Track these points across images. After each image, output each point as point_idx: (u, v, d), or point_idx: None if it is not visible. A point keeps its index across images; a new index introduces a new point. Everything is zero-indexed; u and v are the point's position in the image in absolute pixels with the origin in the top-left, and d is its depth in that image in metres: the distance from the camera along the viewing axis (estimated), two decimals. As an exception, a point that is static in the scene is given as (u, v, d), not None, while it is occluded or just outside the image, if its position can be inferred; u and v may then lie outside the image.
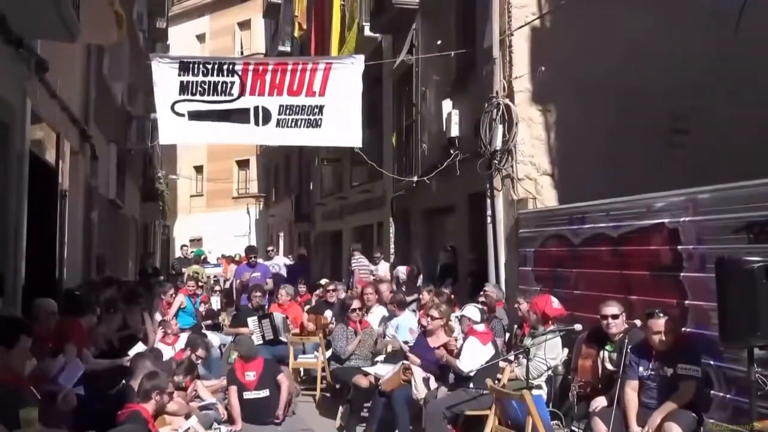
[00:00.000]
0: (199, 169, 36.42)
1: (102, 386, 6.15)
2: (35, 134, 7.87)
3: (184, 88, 8.79)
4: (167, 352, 7.55)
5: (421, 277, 11.65)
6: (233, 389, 7.41)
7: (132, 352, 6.92)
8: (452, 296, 8.67)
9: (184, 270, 16.10)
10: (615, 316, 5.64)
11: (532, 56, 9.27)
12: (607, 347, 5.83)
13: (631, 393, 5.13)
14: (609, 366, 5.74)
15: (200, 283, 11.48)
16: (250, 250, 12.94)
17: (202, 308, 11.01)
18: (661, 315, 5.10)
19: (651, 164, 8.65)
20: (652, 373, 5.11)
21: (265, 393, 7.51)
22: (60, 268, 9.20)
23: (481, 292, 8.23)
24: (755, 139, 8.46)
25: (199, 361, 7.82)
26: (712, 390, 5.23)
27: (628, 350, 5.23)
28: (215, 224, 32.53)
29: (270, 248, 17.11)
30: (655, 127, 9.04)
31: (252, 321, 9.22)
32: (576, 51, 9.04)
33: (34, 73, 7.26)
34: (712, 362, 5.20)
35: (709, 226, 5.54)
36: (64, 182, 9.53)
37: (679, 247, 5.84)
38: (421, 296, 8.79)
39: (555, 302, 6.81)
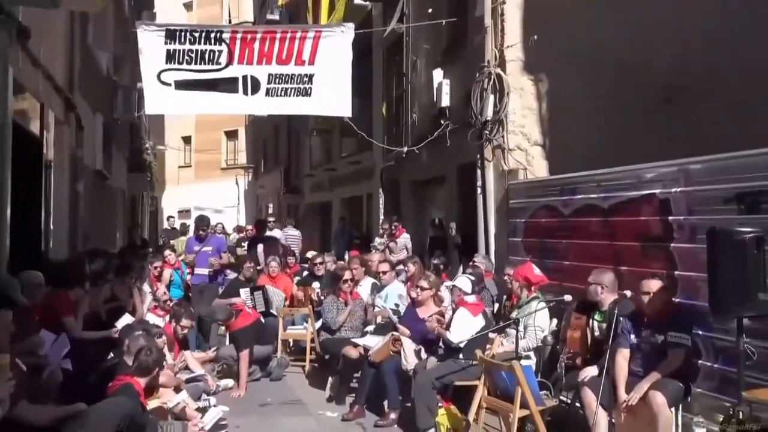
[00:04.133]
0: (187, 140, 36.15)
1: (90, 358, 6.11)
2: (18, 104, 7.72)
3: (170, 56, 8.65)
4: (157, 323, 7.48)
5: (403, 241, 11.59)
6: (245, 354, 7.82)
7: (119, 324, 6.87)
8: (441, 267, 8.66)
9: (172, 242, 16.01)
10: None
11: (524, 25, 9.16)
12: (595, 317, 5.84)
13: (622, 361, 5.15)
14: (597, 335, 5.77)
15: (180, 257, 11.30)
16: (200, 220, 11.32)
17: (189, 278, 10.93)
18: (655, 278, 5.20)
19: (642, 135, 8.60)
20: (644, 341, 5.12)
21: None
22: (46, 240, 9.09)
23: (470, 263, 8.21)
24: (747, 110, 8.42)
25: (185, 331, 7.80)
26: (700, 360, 5.25)
27: (620, 319, 5.24)
28: (204, 195, 32.37)
29: (270, 219, 16.97)
30: (646, 97, 8.97)
31: (244, 292, 9.19)
32: (568, 20, 8.93)
33: (15, 40, 7.09)
34: (700, 332, 5.20)
35: (700, 196, 5.51)
36: (49, 153, 9.37)
37: (669, 217, 5.81)
38: (406, 268, 8.73)
39: (536, 270, 6.82)
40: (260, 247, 12.35)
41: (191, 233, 13.46)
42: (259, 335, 8.31)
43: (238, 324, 8.13)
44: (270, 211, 27.97)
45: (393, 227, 11.36)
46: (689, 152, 5.83)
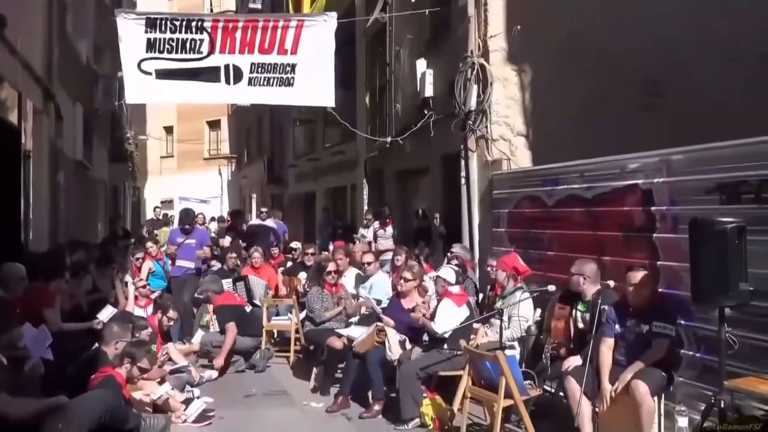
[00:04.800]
0: (169, 130, 35.85)
1: (71, 350, 6.05)
2: (-5, 93, 7.61)
3: (151, 45, 8.56)
4: (139, 314, 7.45)
5: (389, 232, 11.63)
6: (231, 326, 8.03)
7: (100, 315, 6.82)
8: (428, 258, 8.67)
9: (156, 232, 15.88)
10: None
11: (508, 15, 9.13)
12: (579, 307, 5.87)
13: (606, 351, 5.17)
14: (581, 325, 5.80)
15: (161, 248, 11.21)
16: (185, 214, 11.19)
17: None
18: (641, 269, 5.20)
19: (626, 126, 8.63)
20: (628, 330, 5.15)
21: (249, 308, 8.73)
22: (26, 232, 8.98)
23: (449, 253, 8.21)
24: (730, 101, 8.48)
25: (171, 323, 7.77)
26: (682, 349, 5.29)
27: (604, 308, 5.26)
28: (187, 186, 32.12)
29: (263, 209, 16.86)
30: (630, 88, 8.99)
31: (226, 283, 9.14)
32: (552, 10, 8.92)
33: (-8, 28, 6.98)
34: (682, 322, 5.24)
35: (682, 187, 5.54)
36: (28, 143, 9.24)
37: (652, 208, 5.84)
38: (397, 258, 8.74)
39: (520, 260, 6.84)
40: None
41: (175, 224, 13.35)
42: (243, 322, 8.27)
43: (223, 300, 8.34)
44: (254, 201, 27.87)
45: (388, 215, 11.40)
46: (671, 143, 5.85)
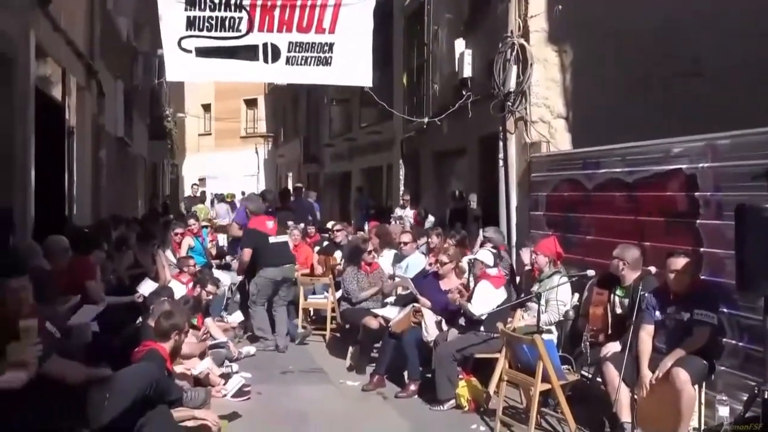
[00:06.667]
0: (207, 108, 36.15)
1: (114, 323, 6.18)
2: (40, 69, 7.73)
3: (191, 23, 8.58)
4: (180, 290, 7.55)
5: (430, 219, 11.61)
6: (248, 252, 8.35)
7: (141, 289, 6.94)
8: (464, 240, 8.64)
9: (194, 209, 16.11)
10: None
11: (549, -6, 8.98)
12: (617, 292, 5.79)
13: (646, 338, 5.10)
14: (619, 310, 5.73)
15: (203, 223, 11.36)
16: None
17: (213, 249, 11.01)
18: (683, 255, 5.08)
19: (669, 108, 8.44)
20: (669, 317, 5.08)
21: (285, 238, 8.69)
22: (69, 206, 9.18)
23: (482, 237, 8.16)
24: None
25: (210, 297, 7.85)
26: (725, 338, 5.20)
27: (645, 295, 5.19)
28: (224, 163, 32.45)
29: (298, 185, 17.04)
30: (674, 69, 8.79)
31: None
32: (594, -11, 8.75)
33: (36, 4, 7.08)
34: (725, 310, 5.14)
35: (728, 172, 5.40)
36: (71, 119, 9.42)
37: (696, 193, 5.72)
38: (429, 240, 8.75)
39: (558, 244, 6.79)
40: None
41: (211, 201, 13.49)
42: (266, 251, 8.35)
43: (255, 224, 8.56)
44: (290, 180, 28.02)
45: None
46: (716, 125, 5.71)
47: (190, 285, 7.69)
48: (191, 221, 10.79)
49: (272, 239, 8.43)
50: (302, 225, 10.63)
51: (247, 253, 8.43)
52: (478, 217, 10.25)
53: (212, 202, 21.42)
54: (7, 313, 3.73)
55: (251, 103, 35.41)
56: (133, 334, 5.63)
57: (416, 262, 8.21)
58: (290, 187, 19.92)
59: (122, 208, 13.32)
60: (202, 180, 28.81)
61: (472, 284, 6.60)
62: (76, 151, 9.67)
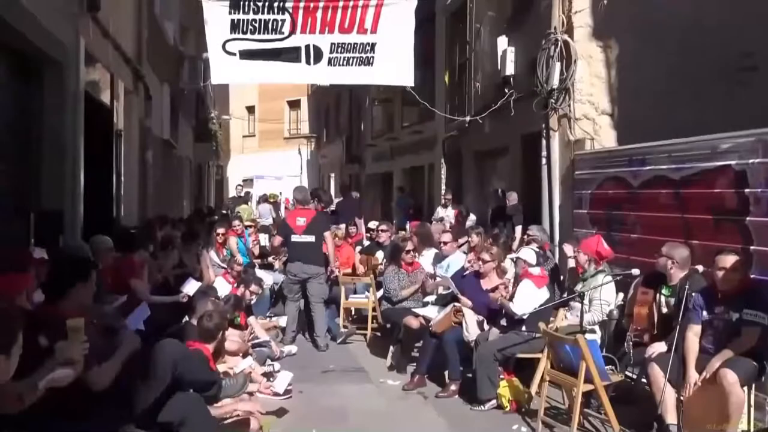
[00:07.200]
0: (250, 110, 36.60)
1: (159, 322, 6.28)
2: (90, 75, 7.93)
3: (235, 26, 8.70)
4: (225, 288, 7.63)
5: (472, 218, 11.55)
6: (278, 239, 8.90)
7: (185, 289, 7.04)
8: (508, 239, 8.58)
9: (238, 210, 16.32)
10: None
11: (594, -11, 8.86)
12: (663, 291, 5.67)
13: (693, 338, 4.97)
14: (664, 310, 5.60)
15: (246, 224, 11.48)
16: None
17: (255, 249, 11.12)
18: (732, 253, 4.94)
19: (716, 103, 8.24)
20: (716, 317, 4.95)
21: (310, 239, 8.42)
22: (117, 207, 9.39)
23: (525, 236, 8.09)
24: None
25: (254, 297, 7.94)
26: (776, 339, 5.05)
27: (692, 294, 5.06)
28: (268, 164, 32.79)
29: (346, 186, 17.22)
30: (721, 64, 8.57)
31: None
32: (640, -16, 8.59)
33: (86, 11, 7.26)
34: (776, 310, 5.00)
35: (780, 168, 5.26)
36: (119, 122, 9.64)
37: (746, 190, 5.57)
38: (470, 239, 8.70)
39: (604, 244, 6.65)
40: None
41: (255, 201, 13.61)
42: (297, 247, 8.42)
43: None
44: (332, 181, 28.18)
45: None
46: (766, 121, 5.54)
47: (235, 285, 7.78)
48: (236, 222, 10.93)
49: (295, 237, 8.44)
50: (343, 226, 10.69)
51: (277, 239, 9.16)
52: (513, 215, 10.12)
53: (257, 203, 21.69)
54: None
55: (294, 105, 35.72)
56: (177, 333, 5.72)
57: (457, 261, 8.17)
58: (331, 187, 20.01)
59: (168, 209, 13.57)
60: (246, 181, 29.15)
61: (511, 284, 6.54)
62: (124, 153, 9.89)
